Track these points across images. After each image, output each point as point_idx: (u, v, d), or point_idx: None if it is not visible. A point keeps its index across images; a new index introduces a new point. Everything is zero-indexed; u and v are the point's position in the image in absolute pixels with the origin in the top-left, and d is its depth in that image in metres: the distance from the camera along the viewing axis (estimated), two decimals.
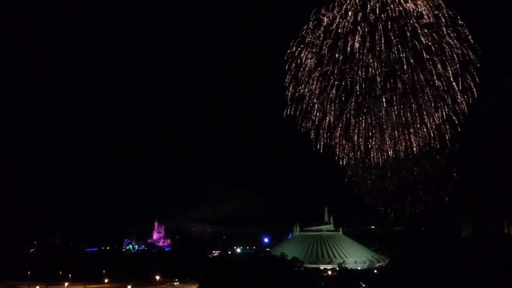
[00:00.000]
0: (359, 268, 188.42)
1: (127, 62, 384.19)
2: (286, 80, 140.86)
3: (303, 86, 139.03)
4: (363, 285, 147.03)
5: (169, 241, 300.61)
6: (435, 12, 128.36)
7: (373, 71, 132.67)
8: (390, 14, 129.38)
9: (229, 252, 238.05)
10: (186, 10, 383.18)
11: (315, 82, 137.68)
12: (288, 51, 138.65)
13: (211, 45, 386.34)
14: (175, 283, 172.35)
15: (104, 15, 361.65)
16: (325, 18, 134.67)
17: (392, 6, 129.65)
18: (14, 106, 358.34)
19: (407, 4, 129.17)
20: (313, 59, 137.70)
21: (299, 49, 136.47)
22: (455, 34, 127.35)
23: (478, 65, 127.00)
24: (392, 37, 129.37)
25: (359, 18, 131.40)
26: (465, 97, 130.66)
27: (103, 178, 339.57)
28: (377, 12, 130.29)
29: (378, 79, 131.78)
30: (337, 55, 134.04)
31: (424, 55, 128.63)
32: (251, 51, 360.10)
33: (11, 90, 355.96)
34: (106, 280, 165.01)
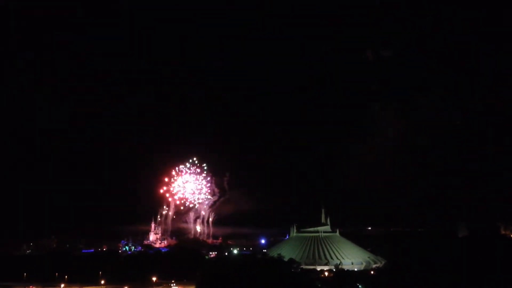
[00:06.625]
0: (356, 269, 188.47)
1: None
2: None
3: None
4: (360, 286, 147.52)
5: (166, 242, 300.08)
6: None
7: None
8: None
9: (226, 253, 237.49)
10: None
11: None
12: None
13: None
14: (172, 285, 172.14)
15: None
16: None
17: None
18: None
19: None
20: None
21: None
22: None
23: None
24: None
25: None
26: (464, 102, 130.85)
27: (101, 178, 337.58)
28: None
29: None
30: None
31: None
32: None
33: None
34: (102, 282, 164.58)
